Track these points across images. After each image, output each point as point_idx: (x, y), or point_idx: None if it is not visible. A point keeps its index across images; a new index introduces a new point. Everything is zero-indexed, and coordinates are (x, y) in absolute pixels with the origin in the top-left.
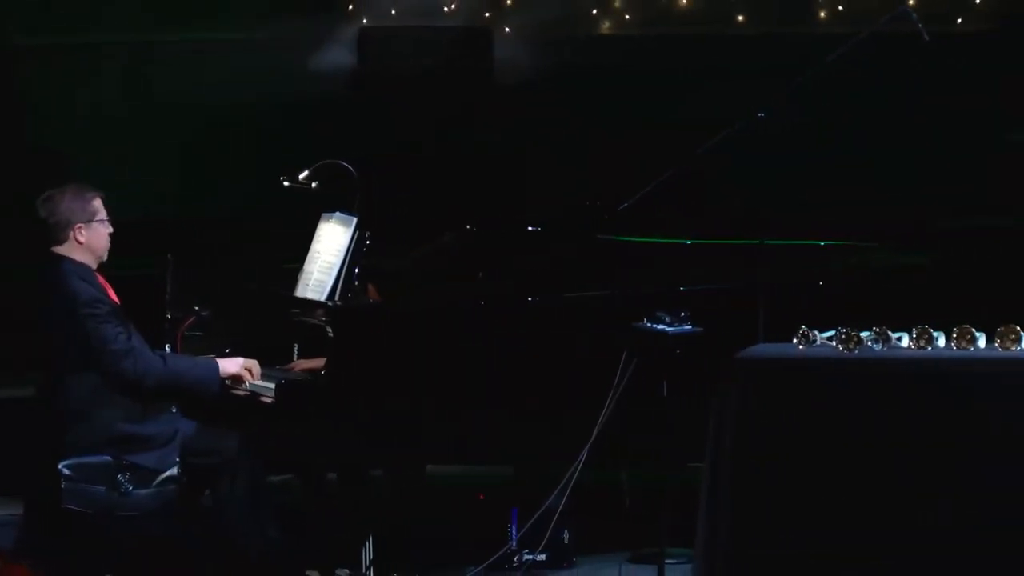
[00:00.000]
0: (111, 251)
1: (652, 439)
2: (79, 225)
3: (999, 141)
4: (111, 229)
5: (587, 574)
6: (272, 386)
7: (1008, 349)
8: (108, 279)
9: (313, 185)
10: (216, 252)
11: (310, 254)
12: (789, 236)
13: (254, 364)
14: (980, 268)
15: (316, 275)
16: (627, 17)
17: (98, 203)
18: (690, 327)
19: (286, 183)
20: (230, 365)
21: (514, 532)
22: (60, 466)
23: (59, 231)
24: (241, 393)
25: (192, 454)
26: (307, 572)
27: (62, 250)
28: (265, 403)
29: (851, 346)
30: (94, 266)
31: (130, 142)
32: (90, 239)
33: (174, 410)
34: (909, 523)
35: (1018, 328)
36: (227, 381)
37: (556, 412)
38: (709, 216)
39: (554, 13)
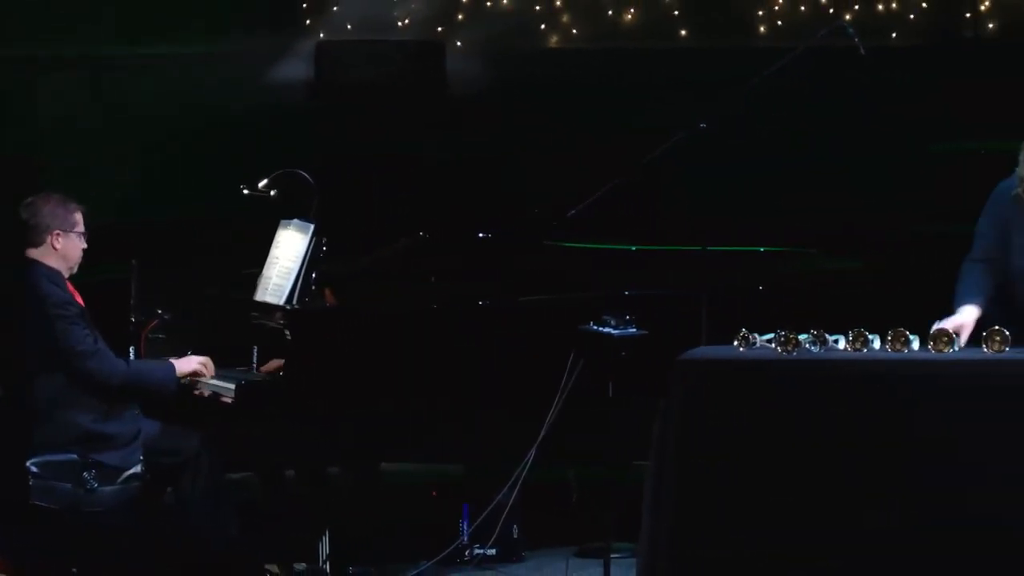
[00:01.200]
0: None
1: (598, 438)
2: (57, 232)
3: (930, 151)
4: (86, 244)
5: (535, 568)
6: (232, 386)
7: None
8: (74, 285)
9: (272, 193)
10: (178, 257)
11: (269, 259)
12: (730, 242)
13: (208, 361)
14: (914, 273)
15: (275, 280)
16: (574, 31)
17: (79, 216)
18: (635, 330)
19: (246, 191)
20: (186, 364)
21: (465, 527)
22: (28, 464)
23: (37, 234)
24: (205, 393)
25: (155, 453)
26: (266, 566)
27: (36, 254)
28: (225, 403)
29: (790, 348)
30: (66, 274)
31: (97, 151)
32: (65, 247)
33: (137, 411)
34: (842, 522)
35: (906, 332)
36: (185, 380)
37: (506, 412)
38: (653, 223)
39: (504, 27)
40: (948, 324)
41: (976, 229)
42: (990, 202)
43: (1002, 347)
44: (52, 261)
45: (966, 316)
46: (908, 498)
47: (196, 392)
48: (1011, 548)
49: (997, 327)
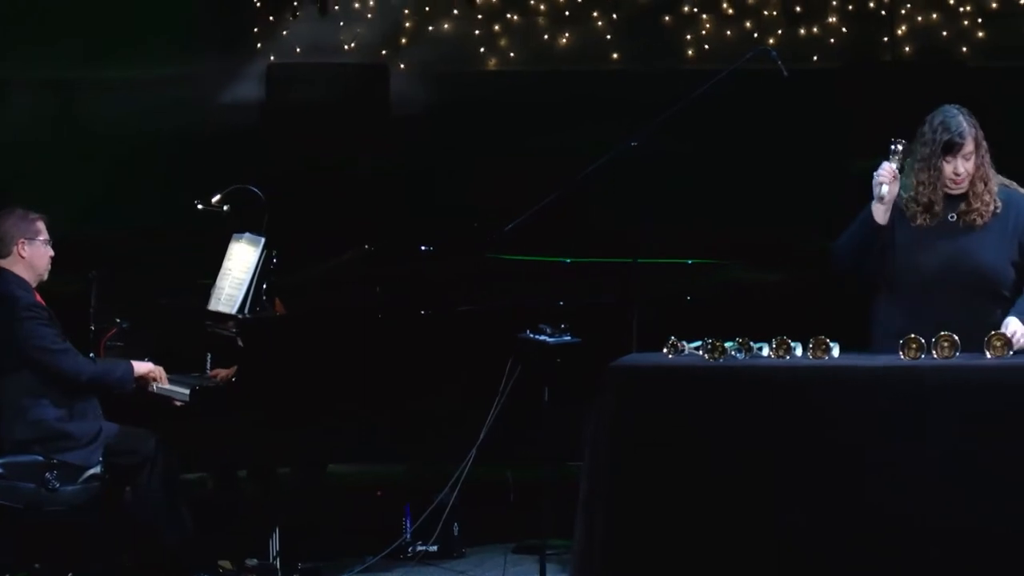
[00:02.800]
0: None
1: (534, 440)
2: (22, 240)
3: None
4: (52, 252)
5: (475, 564)
6: (183, 390)
7: (819, 357)
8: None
9: (224, 208)
10: (136, 269)
11: (222, 271)
12: (659, 255)
13: (160, 370)
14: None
15: (227, 290)
16: (512, 55)
17: (41, 225)
18: (569, 338)
19: (200, 206)
20: (140, 367)
21: (408, 525)
22: None
23: (3, 245)
24: (153, 391)
25: (114, 454)
26: (219, 561)
27: (5, 263)
28: (178, 407)
29: (716, 355)
30: (34, 283)
31: (59, 168)
32: (32, 255)
33: (99, 412)
34: (765, 522)
35: (826, 339)
36: (136, 383)
37: (447, 415)
38: (587, 237)
39: (445, 51)
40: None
41: (860, 214)
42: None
43: (917, 354)
44: (20, 270)
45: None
46: (825, 500)
47: (148, 391)
48: (930, 551)
49: (912, 335)
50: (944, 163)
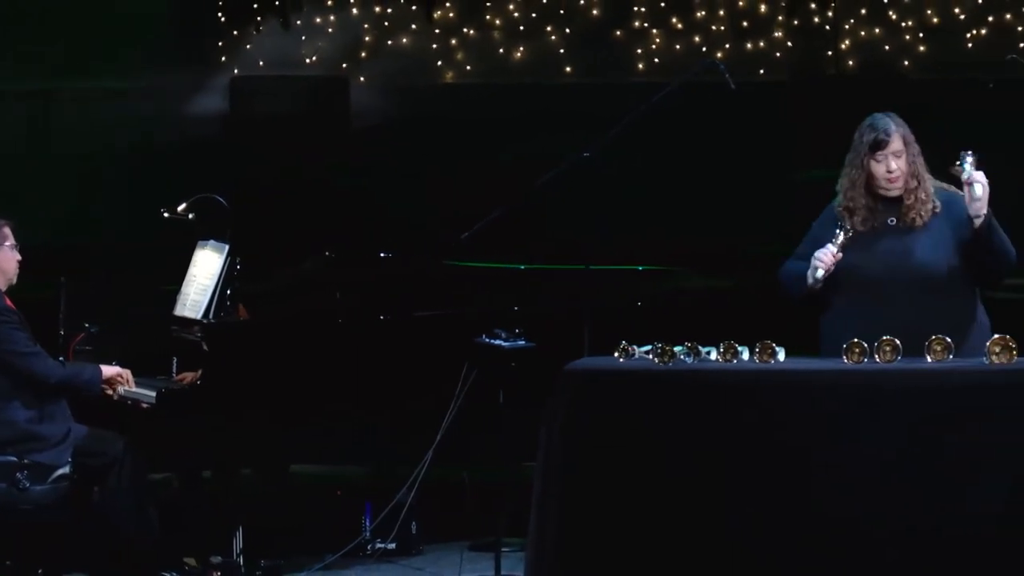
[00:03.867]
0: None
1: (490, 441)
2: None
3: (794, 178)
4: (19, 257)
5: (432, 561)
6: (149, 393)
7: (765, 361)
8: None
9: (190, 216)
10: (104, 275)
11: (187, 277)
12: (611, 262)
13: (127, 372)
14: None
15: (193, 296)
16: (468, 68)
17: (7, 230)
18: (524, 342)
19: (166, 214)
20: (108, 370)
21: (367, 523)
22: None
23: None
24: (119, 395)
25: (83, 454)
26: (185, 558)
27: None
28: (144, 409)
29: (666, 359)
30: (3, 287)
31: (30, 178)
32: (0, 261)
33: (68, 414)
34: (714, 523)
35: (772, 344)
36: (106, 386)
37: (405, 417)
38: (541, 245)
39: (403, 64)
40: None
41: (809, 233)
42: (822, 217)
43: (861, 358)
44: None
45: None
46: (773, 502)
47: (111, 394)
48: (875, 553)
49: (855, 340)
50: (874, 162)
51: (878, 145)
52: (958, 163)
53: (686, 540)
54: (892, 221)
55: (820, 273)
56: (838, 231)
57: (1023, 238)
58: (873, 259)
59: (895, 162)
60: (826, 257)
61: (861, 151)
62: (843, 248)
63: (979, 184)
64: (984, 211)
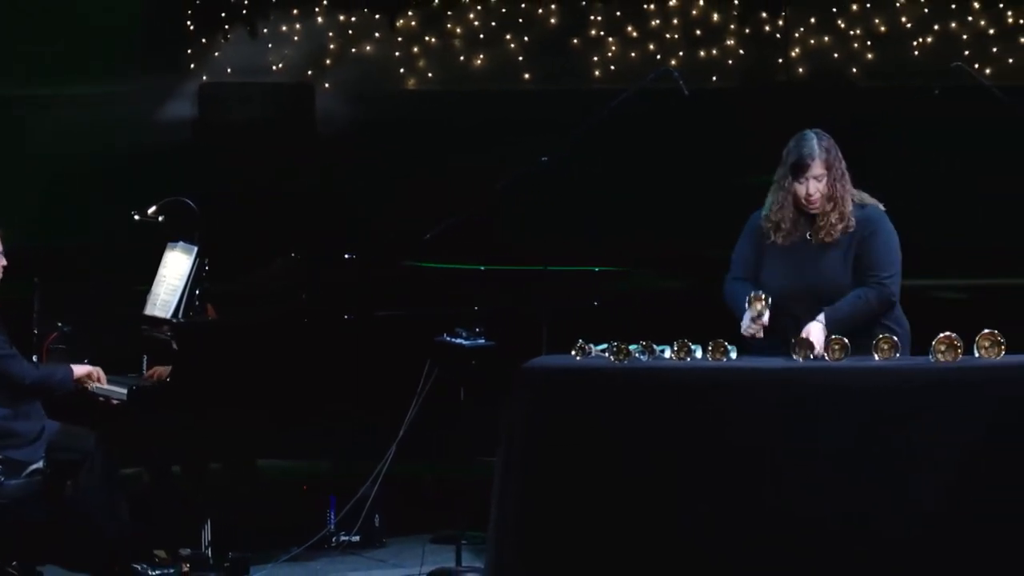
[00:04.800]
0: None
1: (451, 437)
2: None
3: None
4: (4, 262)
5: (395, 553)
6: (121, 390)
7: (718, 359)
8: None
9: (160, 219)
10: (77, 276)
11: (157, 278)
12: (568, 263)
13: (99, 370)
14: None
15: (163, 296)
16: (429, 75)
17: None
18: (484, 341)
19: (136, 217)
20: (80, 369)
21: (332, 517)
22: None
23: None
24: (92, 390)
25: (56, 450)
26: (155, 551)
27: None
28: (114, 406)
29: (621, 357)
30: None
31: (4, 182)
32: None
33: (42, 412)
34: (667, 518)
35: (725, 343)
36: (78, 384)
37: (368, 414)
38: (500, 246)
39: (367, 71)
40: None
41: (734, 252)
42: (745, 231)
43: (807, 353)
44: None
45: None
46: (723, 498)
47: (90, 392)
48: (822, 548)
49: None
50: (797, 184)
51: (799, 168)
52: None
53: (641, 534)
54: (808, 236)
55: (760, 334)
56: (747, 305)
57: (968, 240)
58: (782, 272)
59: (814, 185)
60: (749, 331)
61: (785, 172)
62: (759, 315)
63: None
64: (820, 349)
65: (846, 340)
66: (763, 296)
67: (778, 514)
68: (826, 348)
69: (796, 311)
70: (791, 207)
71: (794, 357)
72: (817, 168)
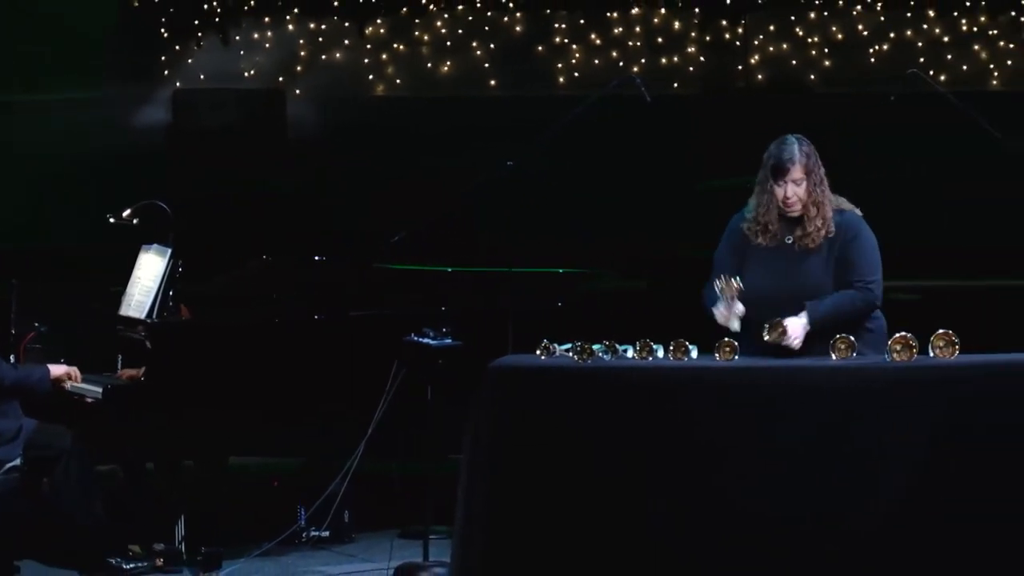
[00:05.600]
0: None
1: (419, 434)
2: None
3: (705, 185)
4: None
5: (364, 548)
6: (96, 388)
7: (679, 359)
8: None
9: (135, 221)
10: (54, 277)
11: (132, 279)
12: (533, 264)
13: (75, 370)
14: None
15: (137, 297)
16: (398, 81)
17: None
18: (451, 341)
19: (112, 220)
20: (57, 369)
21: (302, 512)
22: None
23: None
24: (69, 389)
25: (33, 448)
26: (129, 546)
27: None
28: (90, 404)
29: (585, 357)
30: None
31: None
32: None
33: (19, 411)
34: (630, 514)
35: (686, 342)
36: (55, 384)
37: (338, 412)
38: (467, 248)
39: (337, 78)
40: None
41: (715, 257)
42: (726, 234)
43: (731, 355)
44: None
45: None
46: (686, 495)
47: (66, 392)
48: (783, 544)
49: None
50: (776, 187)
51: (779, 172)
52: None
53: (605, 532)
54: (789, 240)
55: (735, 326)
56: (718, 291)
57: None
58: (766, 275)
59: (793, 188)
60: (722, 316)
61: (766, 175)
62: (731, 297)
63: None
64: (797, 343)
65: (852, 338)
66: (732, 278)
67: (742, 512)
68: (832, 347)
69: (776, 314)
70: (776, 209)
71: (764, 337)
72: (797, 172)
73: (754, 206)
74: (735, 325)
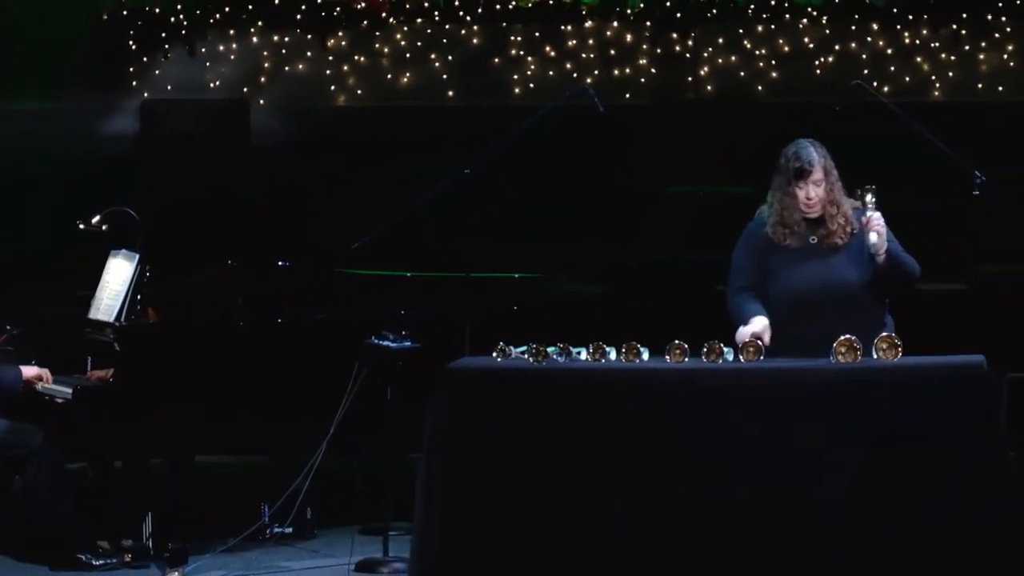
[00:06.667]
0: None
1: (379, 434)
2: None
3: (656, 193)
4: None
5: (326, 544)
6: (66, 389)
7: (631, 361)
8: None
9: (103, 228)
10: (24, 281)
11: (101, 283)
12: (490, 270)
13: (46, 372)
14: (643, 294)
15: (106, 301)
16: (359, 92)
17: None
18: (410, 343)
19: (81, 226)
20: (28, 371)
21: (266, 510)
22: None
23: None
24: (40, 390)
25: (4, 447)
26: (98, 542)
27: None
28: (60, 404)
29: (540, 359)
30: None
31: None
32: None
33: None
34: (585, 512)
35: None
36: (27, 385)
37: (301, 412)
38: (425, 254)
39: (299, 88)
40: (753, 328)
41: (733, 263)
42: (743, 239)
43: (681, 357)
44: None
45: (763, 321)
46: (636, 494)
47: (37, 393)
48: (728, 540)
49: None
50: (797, 188)
51: (801, 174)
52: (863, 196)
53: (558, 529)
54: (814, 240)
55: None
56: (753, 320)
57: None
58: (801, 276)
59: (814, 189)
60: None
61: (787, 176)
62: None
63: (874, 232)
64: (883, 252)
65: (759, 343)
66: (759, 343)
67: (691, 511)
68: (741, 351)
69: (809, 312)
70: (799, 211)
71: (834, 359)
72: (817, 173)
73: (774, 210)
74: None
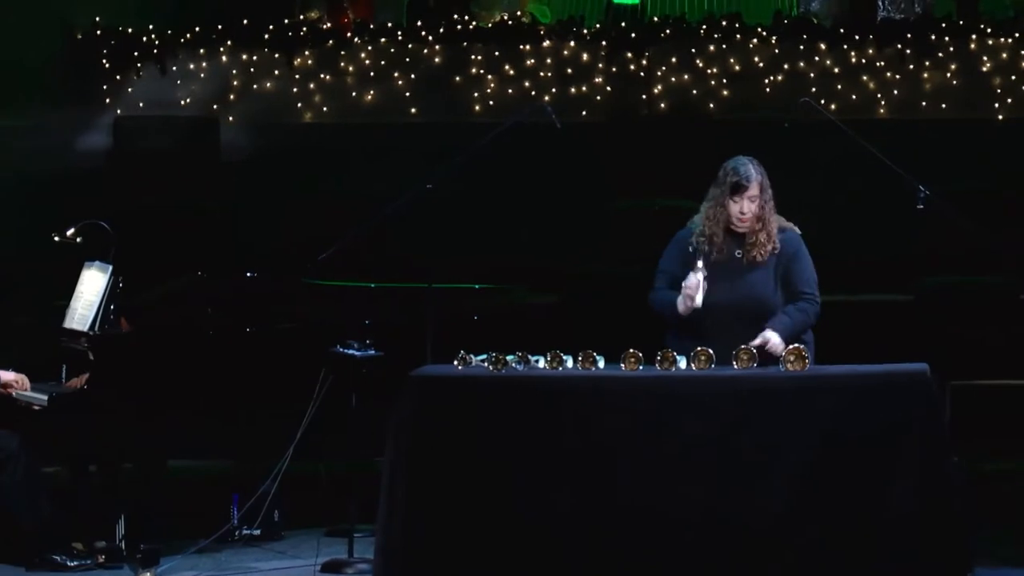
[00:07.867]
0: None
1: (344, 438)
2: None
3: (611, 206)
4: None
5: (292, 545)
6: (42, 396)
7: (587, 368)
8: None
9: (78, 240)
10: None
11: (75, 293)
12: (451, 280)
13: (23, 377)
14: (599, 304)
15: (80, 310)
16: (324, 109)
17: None
18: (373, 352)
19: (56, 238)
20: (5, 376)
21: (235, 512)
22: None
23: None
24: (16, 396)
25: None
26: (73, 543)
27: None
28: (35, 410)
29: (499, 367)
30: None
31: None
32: None
33: None
34: (541, 514)
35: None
36: (3, 390)
37: (269, 417)
38: (389, 265)
39: (267, 105)
40: (695, 277)
41: (659, 266)
42: (672, 245)
43: (636, 365)
44: None
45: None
46: (590, 495)
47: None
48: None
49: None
50: (731, 202)
51: (737, 188)
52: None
53: (516, 531)
54: (738, 254)
55: (699, 301)
56: (698, 262)
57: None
58: (720, 289)
59: (748, 205)
60: (691, 284)
61: (723, 189)
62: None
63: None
64: (781, 350)
65: (711, 351)
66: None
67: (643, 513)
68: (693, 359)
69: (733, 325)
70: (723, 224)
71: (734, 365)
72: (754, 189)
73: (704, 220)
74: (699, 300)
